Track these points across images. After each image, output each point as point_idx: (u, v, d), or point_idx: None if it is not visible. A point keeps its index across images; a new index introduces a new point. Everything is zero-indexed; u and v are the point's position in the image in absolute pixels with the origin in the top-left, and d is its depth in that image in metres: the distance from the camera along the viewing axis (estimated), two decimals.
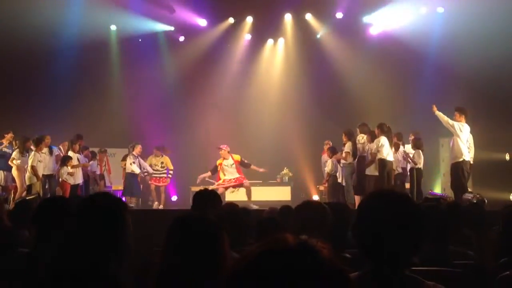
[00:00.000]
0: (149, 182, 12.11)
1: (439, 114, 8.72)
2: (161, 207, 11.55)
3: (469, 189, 8.68)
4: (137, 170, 11.44)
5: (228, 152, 10.86)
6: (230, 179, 10.76)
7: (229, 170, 10.80)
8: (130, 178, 11.42)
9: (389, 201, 1.68)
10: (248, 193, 10.73)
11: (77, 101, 12.74)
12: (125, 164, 11.66)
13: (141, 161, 11.67)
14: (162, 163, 12.07)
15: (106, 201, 2.00)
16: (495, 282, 2.36)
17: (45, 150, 10.24)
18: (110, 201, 2.01)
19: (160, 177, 12.04)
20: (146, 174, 11.98)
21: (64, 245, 1.88)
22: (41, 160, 9.98)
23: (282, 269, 0.91)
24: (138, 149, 11.62)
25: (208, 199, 3.55)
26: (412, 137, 10.10)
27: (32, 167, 9.78)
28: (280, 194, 10.87)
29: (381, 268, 1.64)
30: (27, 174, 9.85)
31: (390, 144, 9.25)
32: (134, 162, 11.41)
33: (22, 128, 10.90)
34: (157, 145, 12.18)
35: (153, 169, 11.98)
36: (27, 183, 9.83)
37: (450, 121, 8.64)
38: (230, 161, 10.82)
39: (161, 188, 12.03)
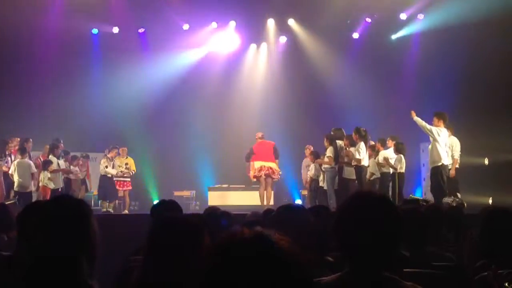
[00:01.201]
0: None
1: (417, 119, 8.85)
2: (126, 212, 11.26)
3: (458, 193, 8.86)
4: (113, 172, 11.33)
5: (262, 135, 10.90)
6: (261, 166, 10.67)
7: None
8: (105, 181, 11.31)
9: (367, 201, 1.71)
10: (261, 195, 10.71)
11: (55, 103, 12.53)
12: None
13: (116, 165, 11.57)
14: (126, 164, 11.75)
15: (66, 204, 2.00)
16: (473, 283, 2.41)
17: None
18: (70, 204, 2.01)
19: (124, 181, 11.71)
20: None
21: (32, 250, 1.87)
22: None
23: (240, 259, 0.96)
24: (113, 152, 11.50)
25: (168, 209, 3.34)
26: (391, 141, 10.19)
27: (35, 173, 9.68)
28: None
29: (359, 268, 1.66)
30: (21, 180, 9.54)
31: (366, 148, 9.48)
32: (108, 166, 11.30)
33: None
34: (122, 147, 11.89)
35: (117, 171, 11.63)
36: (18, 189, 9.52)
37: (428, 126, 8.77)
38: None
39: (124, 192, 11.73)
